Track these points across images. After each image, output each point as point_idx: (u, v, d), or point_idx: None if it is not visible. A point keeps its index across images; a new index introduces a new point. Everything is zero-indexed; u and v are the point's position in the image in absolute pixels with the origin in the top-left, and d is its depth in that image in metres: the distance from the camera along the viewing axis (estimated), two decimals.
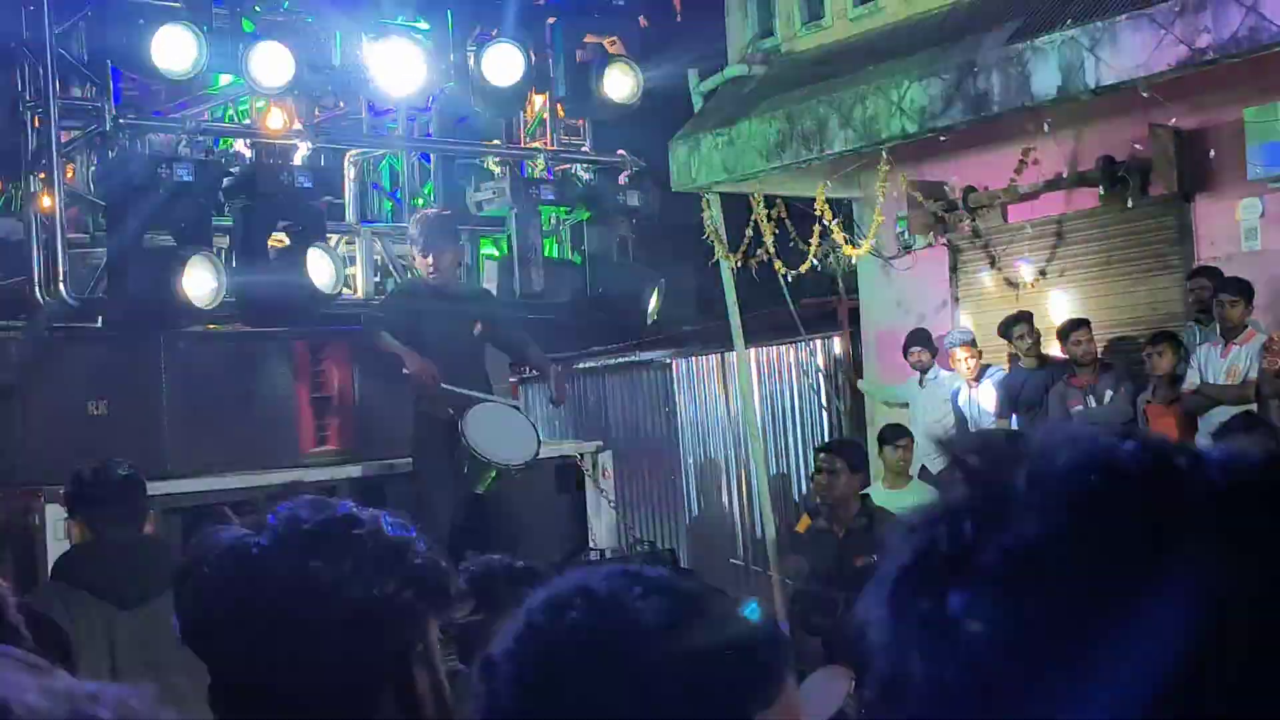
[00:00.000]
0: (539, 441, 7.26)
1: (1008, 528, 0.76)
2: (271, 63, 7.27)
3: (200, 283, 6.89)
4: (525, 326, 8.05)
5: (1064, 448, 0.79)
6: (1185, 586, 0.72)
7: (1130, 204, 9.26)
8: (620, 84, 8.55)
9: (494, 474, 6.98)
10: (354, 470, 7.31)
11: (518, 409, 7.56)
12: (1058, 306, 9.85)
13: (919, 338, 10.16)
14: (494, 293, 8.27)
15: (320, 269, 7.30)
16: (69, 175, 7.67)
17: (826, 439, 11.97)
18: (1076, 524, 0.75)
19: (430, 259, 7.43)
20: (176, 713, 0.78)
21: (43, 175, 7.00)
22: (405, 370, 7.13)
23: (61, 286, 6.93)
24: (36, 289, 7.01)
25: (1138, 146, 9.01)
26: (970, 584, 0.75)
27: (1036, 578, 0.74)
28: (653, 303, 8.76)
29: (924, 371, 10.09)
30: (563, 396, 7.95)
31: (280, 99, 8.56)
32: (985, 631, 0.74)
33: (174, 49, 6.87)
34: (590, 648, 1.33)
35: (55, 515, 6.34)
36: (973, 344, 9.74)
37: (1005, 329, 9.51)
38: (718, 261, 10.73)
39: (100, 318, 7.75)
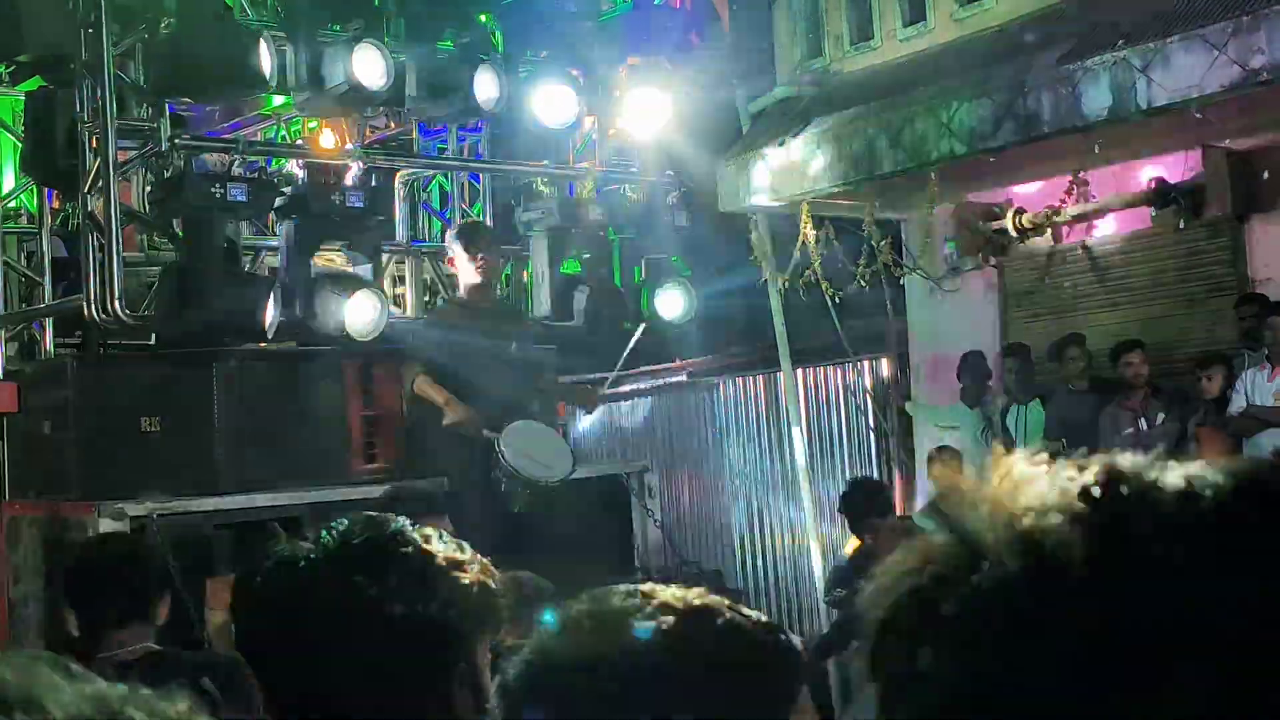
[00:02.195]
0: (574, 459, 7.26)
1: (966, 578, 0.74)
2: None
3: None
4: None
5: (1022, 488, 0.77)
6: (1124, 620, 0.71)
7: (1183, 226, 9.19)
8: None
9: (529, 492, 6.97)
10: (398, 489, 7.32)
11: (552, 426, 7.51)
12: (1108, 329, 9.78)
13: (973, 360, 10.11)
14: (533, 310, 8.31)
15: (363, 312, 7.25)
16: (124, 194, 7.78)
17: (874, 460, 11.92)
18: (1024, 568, 0.73)
19: (480, 260, 7.41)
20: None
21: (99, 195, 7.09)
22: (445, 422, 7.10)
23: (117, 304, 7.02)
24: (92, 307, 7.09)
25: (1190, 168, 8.94)
26: (936, 638, 0.74)
27: (993, 628, 0.73)
28: (677, 308, 8.63)
29: (977, 394, 10.03)
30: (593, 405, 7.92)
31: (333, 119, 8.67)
32: (951, 684, 0.73)
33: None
34: (595, 666, 1.35)
35: (108, 531, 6.42)
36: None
37: (1056, 351, 9.44)
38: (765, 282, 10.72)
39: (154, 335, 7.84)
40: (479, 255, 7.41)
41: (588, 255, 8.54)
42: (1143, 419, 8.79)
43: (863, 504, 7.93)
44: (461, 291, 7.65)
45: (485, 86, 7.63)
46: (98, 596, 4.06)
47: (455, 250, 7.60)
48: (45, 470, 7.47)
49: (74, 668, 0.76)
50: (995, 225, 10.09)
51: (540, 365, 7.73)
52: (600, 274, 8.70)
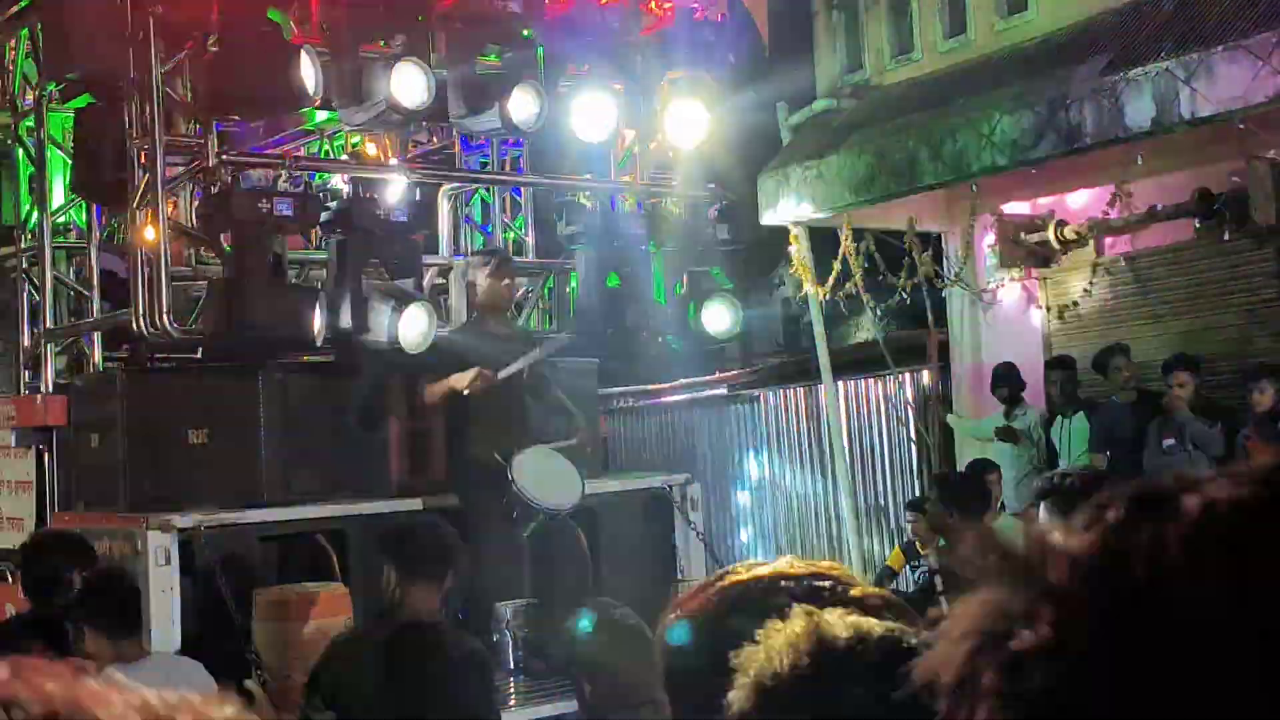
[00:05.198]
0: (584, 485, 7.25)
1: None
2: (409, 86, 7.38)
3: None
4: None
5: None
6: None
7: (1227, 237, 9.12)
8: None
9: (540, 518, 6.98)
10: (445, 501, 7.37)
11: (561, 452, 7.47)
12: (1152, 340, 9.72)
13: (1005, 372, 10.08)
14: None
15: (416, 324, 7.28)
16: (172, 210, 7.86)
17: (914, 472, 11.89)
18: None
19: (498, 284, 7.43)
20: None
21: (147, 210, 7.17)
22: (465, 391, 7.06)
23: (164, 318, 7.09)
24: (140, 321, 7.17)
25: (1234, 179, 8.88)
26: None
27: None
28: (724, 323, 8.59)
29: (1012, 406, 9.99)
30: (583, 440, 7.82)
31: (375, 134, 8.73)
32: None
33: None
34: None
35: (156, 543, 6.49)
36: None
37: (1101, 362, 9.38)
38: (806, 295, 10.73)
39: (200, 349, 7.92)
40: (499, 280, 7.42)
41: (628, 269, 8.55)
42: (1187, 432, 8.71)
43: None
44: (476, 313, 7.64)
45: (524, 104, 7.65)
46: None
47: (474, 273, 7.62)
48: (94, 482, 7.56)
49: (118, 676, 0.76)
50: (1037, 237, 10.06)
51: (548, 385, 7.68)
52: (641, 288, 8.71)
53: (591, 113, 8.06)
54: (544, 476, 7.04)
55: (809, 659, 1.28)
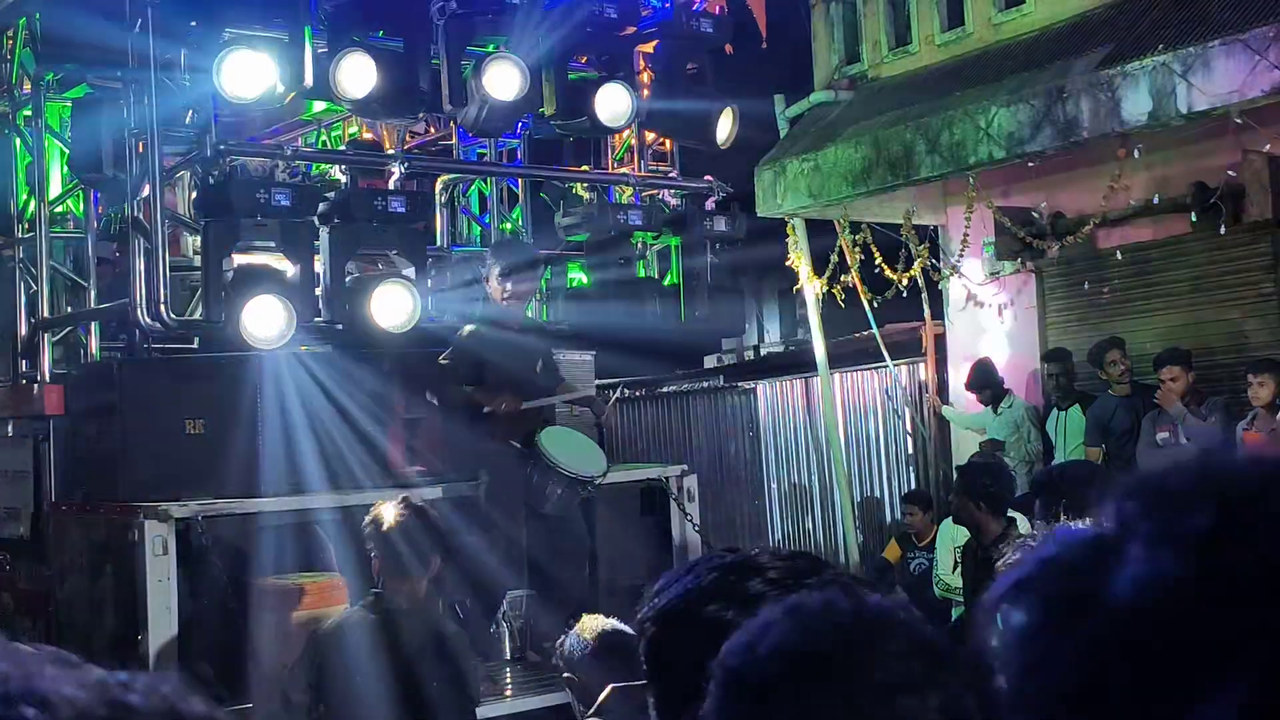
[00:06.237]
0: (607, 461, 7.35)
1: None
2: (357, 75, 7.31)
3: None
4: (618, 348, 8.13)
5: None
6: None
7: (1223, 231, 9.14)
8: (722, 127, 8.60)
9: (564, 491, 7.04)
10: (443, 490, 7.38)
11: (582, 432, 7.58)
12: (1148, 333, 9.74)
13: (983, 369, 10.12)
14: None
15: (396, 307, 7.27)
16: (170, 199, 7.85)
17: (910, 464, 11.92)
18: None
19: (510, 287, 7.37)
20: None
21: (145, 199, 7.17)
22: (486, 410, 7.15)
23: (162, 308, 7.09)
24: (138, 311, 7.17)
25: (1230, 173, 8.90)
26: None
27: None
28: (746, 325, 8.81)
29: (998, 401, 10.03)
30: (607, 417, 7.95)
31: (366, 117, 8.70)
32: None
33: (245, 74, 6.92)
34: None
35: (154, 532, 6.50)
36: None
37: (1097, 355, 9.41)
38: (802, 287, 10.74)
39: (198, 339, 7.93)
40: (517, 280, 7.36)
41: (625, 260, 8.57)
42: (1181, 426, 8.73)
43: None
44: (489, 310, 7.52)
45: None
46: None
47: (493, 270, 7.50)
48: (91, 472, 7.56)
49: (70, 657, 0.77)
50: (1033, 229, 10.07)
51: (558, 373, 7.71)
52: (641, 278, 8.74)
53: (611, 101, 8.07)
54: (571, 448, 7.16)
55: (788, 636, 1.29)
